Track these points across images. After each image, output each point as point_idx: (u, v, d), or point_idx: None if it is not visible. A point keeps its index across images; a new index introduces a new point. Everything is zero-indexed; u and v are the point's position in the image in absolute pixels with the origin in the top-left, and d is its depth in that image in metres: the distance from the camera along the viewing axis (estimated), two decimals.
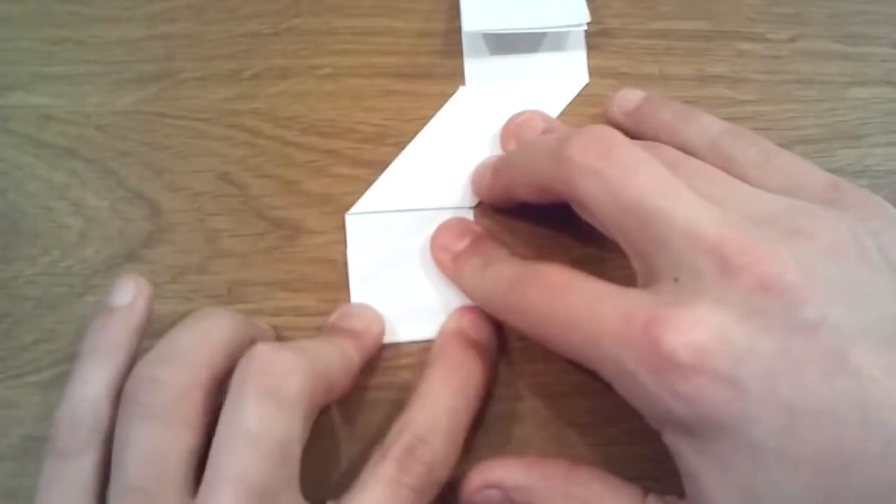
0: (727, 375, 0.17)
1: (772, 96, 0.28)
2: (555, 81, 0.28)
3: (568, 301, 0.20)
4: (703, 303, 0.18)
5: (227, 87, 0.27)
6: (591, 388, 0.25)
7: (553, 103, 0.27)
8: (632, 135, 0.24)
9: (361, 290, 0.25)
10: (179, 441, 0.19)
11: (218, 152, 0.27)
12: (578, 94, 0.28)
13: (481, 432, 0.24)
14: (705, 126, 0.24)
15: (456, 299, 0.25)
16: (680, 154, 0.22)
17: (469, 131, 0.27)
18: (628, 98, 0.26)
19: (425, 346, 0.25)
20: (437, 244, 0.25)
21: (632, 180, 0.19)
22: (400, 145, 0.27)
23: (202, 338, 0.21)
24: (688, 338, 0.17)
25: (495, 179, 0.25)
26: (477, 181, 0.26)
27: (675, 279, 0.19)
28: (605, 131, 0.20)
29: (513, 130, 0.26)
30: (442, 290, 0.25)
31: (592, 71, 0.28)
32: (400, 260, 0.26)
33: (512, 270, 0.22)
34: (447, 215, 0.26)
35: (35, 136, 0.27)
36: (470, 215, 0.26)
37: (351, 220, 0.26)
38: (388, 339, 0.25)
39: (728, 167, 0.22)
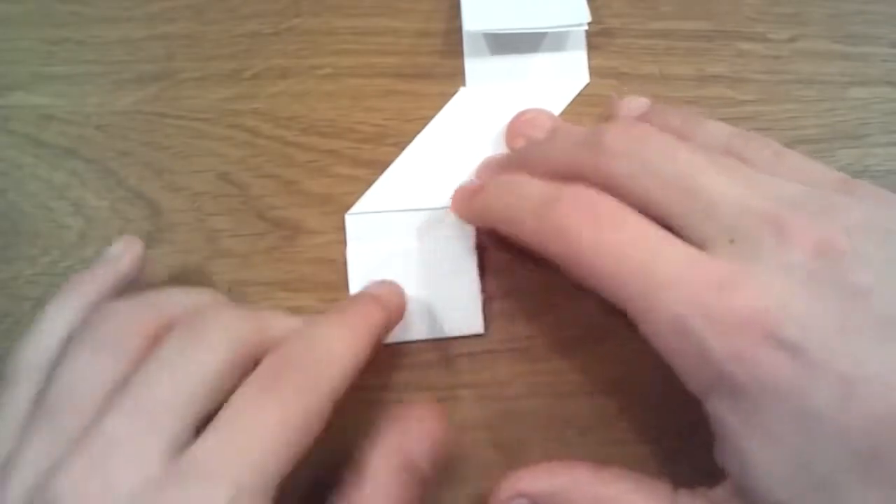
0: (792, 342, 0.17)
1: (772, 96, 0.28)
2: (555, 81, 0.28)
3: (620, 237, 0.19)
4: (767, 267, 0.18)
5: (227, 87, 0.27)
6: (591, 388, 0.25)
7: (554, 103, 0.27)
8: None
9: (360, 288, 0.25)
10: (105, 370, 0.19)
11: (218, 152, 0.27)
12: (579, 95, 0.28)
13: (481, 431, 0.24)
14: (714, 131, 0.24)
15: (455, 301, 0.25)
16: (702, 147, 0.22)
17: (469, 131, 0.27)
18: (634, 104, 0.26)
19: (424, 346, 0.25)
20: (454, 200, 0.25)
21: (674, 158, 0.20)
22: (400, 145, 0.27)
23: (182, 298, 0.21)
24: (759, 302, 0.17)
25: (472, 208, 0.24)
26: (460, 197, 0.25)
27: (731, 241, 0.19)
28: (637, 122, 0.21)
29: (519, 127, 0.26)
30: (441, 291, 0.25)
31: (593, 71, 0.28)
32: (399, 260, 0.26)
33: (540, 187, 0.21)
34: (447, 215, 0.26)
35: (35, 136, 0.27)
36: None
37: (351, 220, 0.26)
38: (387, 339, 0.25)
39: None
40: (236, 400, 0.18)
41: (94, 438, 0.17)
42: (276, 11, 0.28)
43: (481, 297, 0.25)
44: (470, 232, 0.26)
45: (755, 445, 0.18)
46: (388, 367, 0.25)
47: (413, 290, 0.25)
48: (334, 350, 0.20)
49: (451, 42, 0.28)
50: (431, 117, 0.27)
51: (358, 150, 0.27)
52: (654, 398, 0.24)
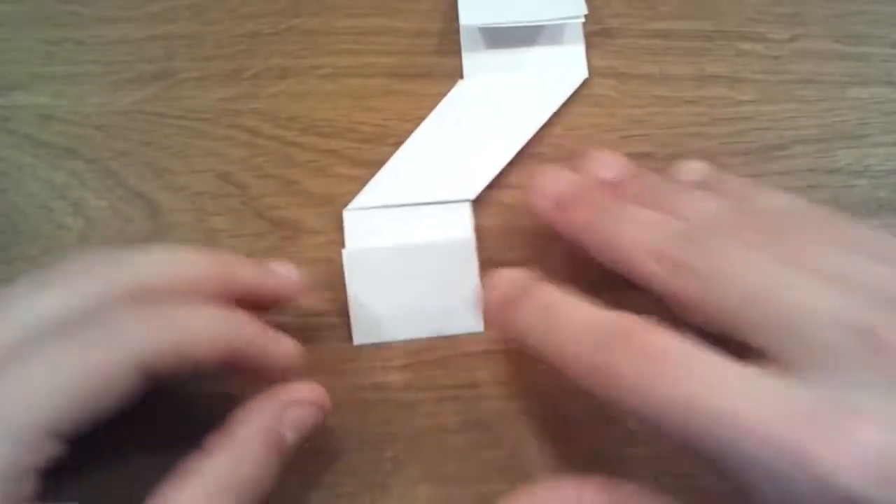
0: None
1: (772, 96, 0.28)
2: (553, 75, 0.28)
3: (686, 387, 0.17)
4: (869, 401, 0.16)
5: (227, 87, 0.27)
6: None
7: (552, 97, 0.27)
8: None
9: (357, 287, 0.25)
10: (53, 304, 0.19)
11: (218, 152, 0.27)
12: (579, 95, 0.28)
13: (481, 431, 0.24)
14: (775, 197, 0.22)
15: (454, 298, 0.25)
16: (788, 218, 0.20)
17: (467, 124, 0.27)
18: (692, 168, 0.25)
19: (423, 347, 0.25)
20: (485, 303, 0.23)
21: (749, 275, 0.18)
22: (400, 145, 0.27)
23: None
24: (866, 452, 0.15)
25: (568, 221, 0.23)
26: (538, 195, 0.24)
27: (822, 365, 0.17)
28: (709, 230, 0.20)
29: (587, 165, 0.24)
30: (440, 288, 0.25)
31: (592, 71, 0.28)
32: (398, 257, 0.26)
33: (591, 321, 0.19)
34: (445, 209, 0.26)
35: (35, 136, 0.27)
36: (468, 208, 0.26)
37: (349, 216, 0.26)
38: (385, 337, 0.25)
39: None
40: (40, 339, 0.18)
41: None
42: (275, 11, 0.28)
43: (480, 293, 0.25)
44: (470, 227, 0.26)
45: None
46: (385, 368, 0.25)
47: (411, 287, 0.25)
48: (176, 319, 0.19)
49: (449, 42, 0.28)
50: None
51: (358, 150, 0.27)
52: None
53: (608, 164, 0.24)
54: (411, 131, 0.27)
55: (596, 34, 0.28)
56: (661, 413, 0.17)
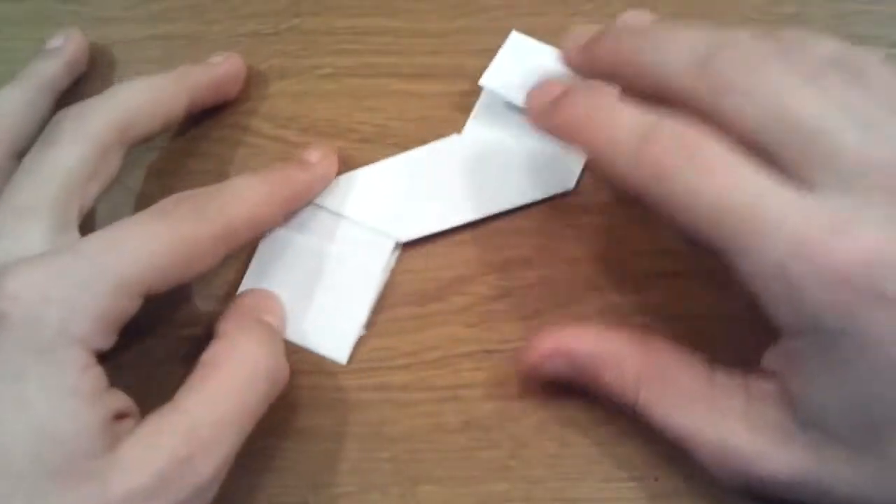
0: (893, 297, 0.17)
1: None
2: (544, 170, 0.26)
3: (721, 182, 0.18)
4: (876, 218, 0.17)
5: None
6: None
7: (530, 190, 0.26)
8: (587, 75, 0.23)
9: (258, 268, 0.25)
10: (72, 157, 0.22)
11: (217, 152, 0.27)
12: None
13: (481, 431, 0.24)
14: (828, 45, 0.21)
15: (336, 318, 0.25)
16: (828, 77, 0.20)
17: (450, 175, 0.26)
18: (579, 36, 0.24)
19: (423, 347, 0.25)
20: (530, 105, 0.23)
21: (796, 98, 0.19)
22: (400, 145, 0.27)
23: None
24: (864, 255, 0.17)
25: (596, 56, 0.23)
26: (566, 48, 0.24)
27: (845, 189, 0.18)
28: (756, 42, 0.20)
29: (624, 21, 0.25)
30: (327, 306, 0.25)
31: None
32: (306, 258, 0.25)
33: (638, 118, 0.20)
34: (375, 237, 0.25)
35: None
36: (391, 250, 0.25)
37: None
38: (291, 337, 0.25)
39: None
40: (130, 217, 0.21)
41: None
42: (276, 11, 0.28)
43: (361, 331, 0.25)
44: (381, 265, 0.25)
45: (823, 377, 0.18)
46: (383, 368, 0.25)
47: (303, 290, 0.25)
48: (241, 194, 0.22)
49: (450, 42, 0.28)
50: (431, 117, 0.27)
51: (358, 150, 0.27)
52: None
53: (642, 18, 0.24)
54: (412, 131, 0.27)
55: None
56: (690, 204, 0.19)
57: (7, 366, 0.18)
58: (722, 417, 0.20)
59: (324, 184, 0.26)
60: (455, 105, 0.27)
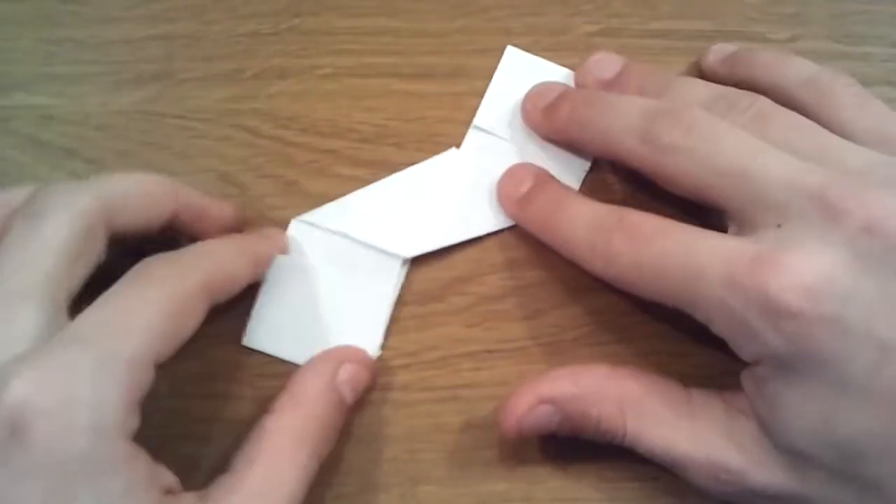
0: (832, 317, 0.18)
1: None
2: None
3: (661, 246, 0.20)
4: (809, 245, 0.18)
5: (227, 87, 0.27)
6: None
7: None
8: (727, 80, 0.25)
9: (271, 293, 0.25)
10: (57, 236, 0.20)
11: (218, 152, 0.27)
12: None
13: (481, 431, 0.24)
14: (802, 65, 0.24)
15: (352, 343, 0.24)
16: (773, 105, 0.22)
17: (452, 190, 0.26)
18: (722, 48, 0.27)
19: (423, 347, 0.25)
20: (500, 195, 0.26)
21: (720, 148, 0.20)
22: (400, 145, 0.27)
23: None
24: (797, 280, 0.18)
25: (554, 120, 0.25)
26: (530, 108, 0.26)
27: (778, 226, 0.19)
28: (685, 107, 0.22)
29: (588, 69, 0.26)
30: (343, 330, 0.25)
31: None
32: (316, 287, 0.25)
33: (590, 214, 0.23)
34: (386, 259, 0.25)
35: (35, 136, 0.27)
36: (399, 268, 0.25)
37: (295, 225, 0.26)
38: (272, 351, 0.25)
39: (823, 104, 0.23)
40: (111, 290, 0.19)
41: None
42: (276, 11, 0.28)
43: (378, 351, 0.25)
44: (392, 283, 0.25)
45: (789, 402, 0.19)
46: (384, 368, 0.25)
47: (315, 315, 0.25)
48: (211, 250, 0.22)
49: (449, 42, 0.28)
50: (431, 117, 0.27)
51: (358, 150, 0.27)
52: None
53: (606, 66, 0.26)
54: (412, 131, 0.27)
55: (597, 34, 0.28)
56: (640, 275, 0.21)
57: (46, 494, 0.16)
58: (706, 435, 0.20)
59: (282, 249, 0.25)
60: (455, 105, 0.27)
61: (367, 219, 0.26)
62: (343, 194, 0.26)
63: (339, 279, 0.25)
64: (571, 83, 0.27)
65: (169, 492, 0.19)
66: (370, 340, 0.25)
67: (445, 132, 0.27)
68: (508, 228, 0.26)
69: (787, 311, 0.18)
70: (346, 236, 0.25)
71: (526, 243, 0.26)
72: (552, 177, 0.25)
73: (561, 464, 0.24)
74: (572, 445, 0.23)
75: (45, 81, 0.27)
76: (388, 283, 0.25)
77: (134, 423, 0.18)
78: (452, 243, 0.26)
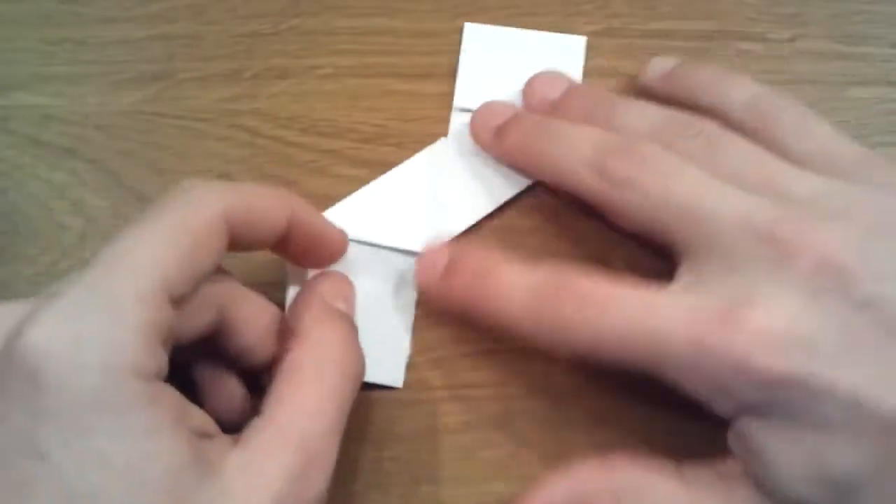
0: (799, 368, 0.18)
1: None
2: None
3: (616, 317, 0.20)
4: (765, 291, 0.18)
5: (227, 87, 0.27)
6: (591, 388, 0.25)
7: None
8: (666, 99, 0.24)
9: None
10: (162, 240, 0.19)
11: (218, 152, 0.27)
12: None
13: (481, 431, 0.24)
14: (742, 85, 0.24)
15: (381, 347, 0.24)
16: (719, 130, 0.22)
17: (448, 178, 0.26)
18: (662, 63, 0.27)
19: (423, 347, 0.25)
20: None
21: (672, 186, 0.20)
22: (400, 145, 0.27)
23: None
24: (761, 338, 0.18)
25: (505, 145, 0.25)
26: (479, 126, 0.26)
27: (731, 269, 0.19)
28: (637, 141, 0.21)
29: (537, 89, 0.26)
30: (368, 335, 0.23)
31: (593, 71, 0.28)
32: None
33: (526, 281, 0.21)
34: (396, 256, 0.25)
35: (35, 136, 0.27)
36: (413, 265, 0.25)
37: None
38: None
39: (766, 127, 0.22)
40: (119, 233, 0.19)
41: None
42: (276, 11, 0.28)
43: (408, 353, 0.25)
44: (412, 282, 0.25)
45: (777, 449, 0.19)
46: None
47: None
48: (214, 186, 0.20)
49: (449, 41, 0.28)
50: (431, 117, 0.27)
51: (358, 150, 0.27)
52: (654, 398, 0.24)
53: (552, 85, 0.26)
54: (412, 131, 0.27)
55: (596, 34, 0.28)
56: (598, 345, 0.20)
57: (64, 432, 0.16)
58: None
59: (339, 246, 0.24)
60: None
61: (371, 220, 0.26)
62: (343, 194, 0.26)
63: (360, 285, 0.24)
64: (534, 46, 0.27)
65: (204, 434, 0.18)
66: (400, 341, 0.25)
67: (445, 132, 0.27)
68: (508, 228, 0.26)
69: (755, 369, 0.18)
70: (357, 241, 0.25)
71: (526, 243, 0.26)
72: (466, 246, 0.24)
73: (561, 463, 0.24)
74: (572, 446, 0.23)
75: (44, 81, 0.27)
76: (409, 284, 0.25)
77: (156, 362, 0.17)
78: (462, 230, 0.26)
